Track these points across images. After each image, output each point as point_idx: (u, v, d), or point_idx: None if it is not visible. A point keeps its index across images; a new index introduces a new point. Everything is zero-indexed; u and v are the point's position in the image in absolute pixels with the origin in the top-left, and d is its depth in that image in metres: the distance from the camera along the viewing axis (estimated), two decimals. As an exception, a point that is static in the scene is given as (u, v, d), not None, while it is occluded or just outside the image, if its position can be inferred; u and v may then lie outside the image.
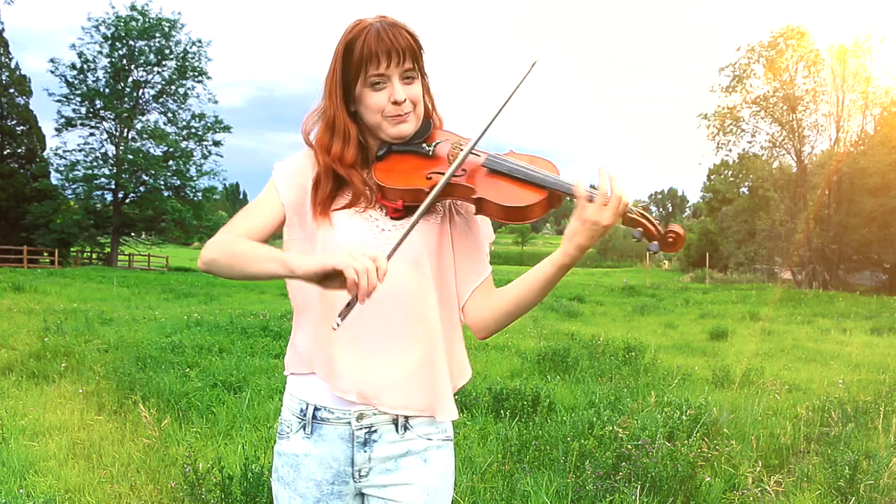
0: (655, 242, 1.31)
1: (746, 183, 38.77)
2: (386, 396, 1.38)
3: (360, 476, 1.41)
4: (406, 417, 1.41)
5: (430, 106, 1.50)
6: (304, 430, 1.43)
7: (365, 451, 1.40)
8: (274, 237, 1.45)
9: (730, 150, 36.74)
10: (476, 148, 1.44)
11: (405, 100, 1.39)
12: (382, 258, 1.19)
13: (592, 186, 1.32)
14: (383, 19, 1.39)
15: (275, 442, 1.51)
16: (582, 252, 1.32)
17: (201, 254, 1.37)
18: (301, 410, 1.43)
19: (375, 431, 1.40)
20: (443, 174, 1.37)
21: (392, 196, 1.40)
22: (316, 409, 1.41)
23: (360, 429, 1.40)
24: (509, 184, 1.37)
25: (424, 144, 1.45)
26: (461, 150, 1.42)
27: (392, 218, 1.41)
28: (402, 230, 1.34)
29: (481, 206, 1.38)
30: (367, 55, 1.36)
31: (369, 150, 1.47)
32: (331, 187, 1.43)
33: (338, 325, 1.18)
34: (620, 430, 3.93)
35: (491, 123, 1.39)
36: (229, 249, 1.33)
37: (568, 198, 1.36)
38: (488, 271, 1.48)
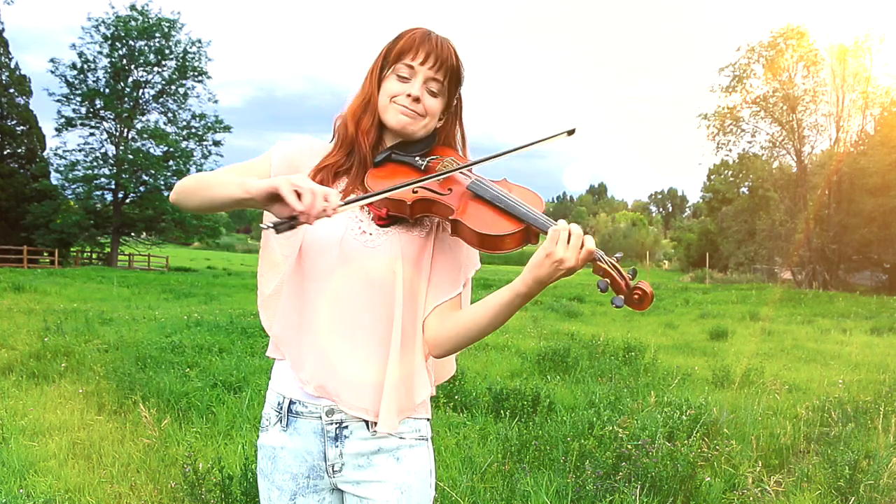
0: (621, 297, 1.24)
1: (746, 183, 38.77)
2: (344, 395, 1.39)
3: (333, 471, 1.43)
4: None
5: (459, 137, 1.53)
6: (281, 423, 1.45)
7: (336, 447, 1.41)
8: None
9: (730, 150, 36.84)
10: (470, 172, 1.42)
11: (419, 100, 1.42)
12: (335, 194, 1.24)
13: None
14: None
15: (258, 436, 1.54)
16: (540, 285, 1.28)
17: (175, 186, 1.42)
18: (278, 404, 1.46)
19: (346, 427, 1.41)
20: (431, 190, 1.37)
21: (378, 203, 1.40)
22: (291, 402, 1.44)
23: (331, 424, 1.41)
24: (489, 211, 1.34)
25: (418, 157, 1.45)
26: (451, 165, 1.42)
27: (378, 225, 1.42)
28: (384, 237, 1.38)
29: (456, 227, 1.35)
30: (409, 46, 1.41)
31: (374, 151, 1.47)
32: (341, 163, 1.45)
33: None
34: (620, 430, 3.93)
35: (494, 157, 1.38)
36: (199, 179, 1.39)
37: (544, 235, 1.31)
38: (456, 292, 1.45)
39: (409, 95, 1.41)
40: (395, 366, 1.38)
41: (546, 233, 1.28)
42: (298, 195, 1.20)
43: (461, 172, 1.41)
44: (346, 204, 1.28)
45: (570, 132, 1.37)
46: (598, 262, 1.25)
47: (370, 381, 1.39)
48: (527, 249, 1.36)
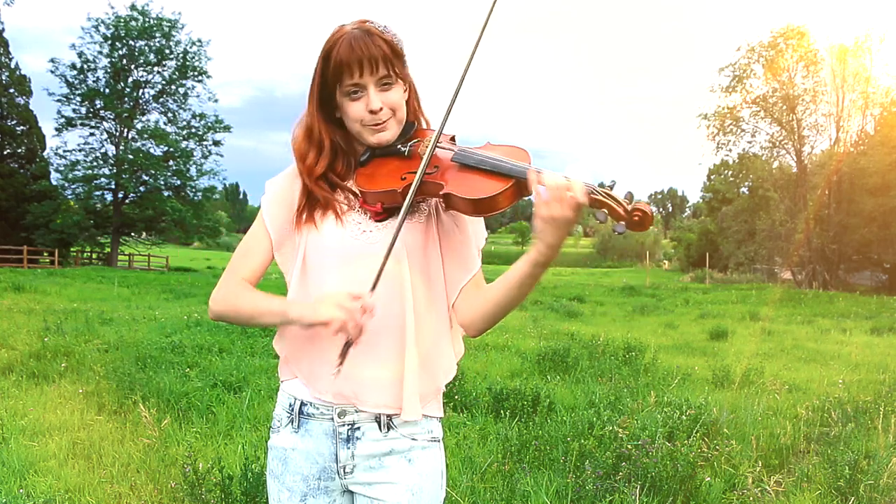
0: (622, 223, 1.24)
1: (746, 183, 38.73)
2: (363, 395, 1.40)
3: (345, 473, 1.43)
4: (389, 416, 1.41)
5: (416, 108, 1.51)
6: (293, 424, 1.46)
7: (348, 448, 1.42)
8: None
9: (730, 150, 36.78)
10: (452, 144, 1.43)
11: (381, 108, 1.40)
12: (367, 295, 1.28)
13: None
14: (360, 26, 1.39)
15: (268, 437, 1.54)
16: (555, 248, 1.28)
17: (210, 307, 1.46)
18: (290, 405, 1.46)
19: (358, 429, 1.42)
20: (415, 173, 1.37)
21: (371, 200, 1.42)
22: (302, 404, 1.44)
23: (343, 425, 1.42)
24: (478, 176, 1.35)
25: (400, 146, 1.45)
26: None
27: (375, 221, 1.43)
28: (384, 231, 1.39)
29: (449, 200, 1.37)
30: (341, 65, 1.37)
31: (356, 154, 1.49)
32: (307, 200, 1.46)
33: (338, 369, 1.30)
34: (620, 430, 3.93)
35: (450, 110, 1.37)
36: (234, 306, 1.43)
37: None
38: (476, 269, 1.46)
39: (370, 112, 1.40)
40: (413, 355, 1.39)
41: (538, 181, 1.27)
42: (342, 324, 1.28)
43: (444, 148, 1.42)
44: (377, 279, 1.32)
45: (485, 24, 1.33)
46: (593, 196, 1.25)
47: (389, 376, 1.39)
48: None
